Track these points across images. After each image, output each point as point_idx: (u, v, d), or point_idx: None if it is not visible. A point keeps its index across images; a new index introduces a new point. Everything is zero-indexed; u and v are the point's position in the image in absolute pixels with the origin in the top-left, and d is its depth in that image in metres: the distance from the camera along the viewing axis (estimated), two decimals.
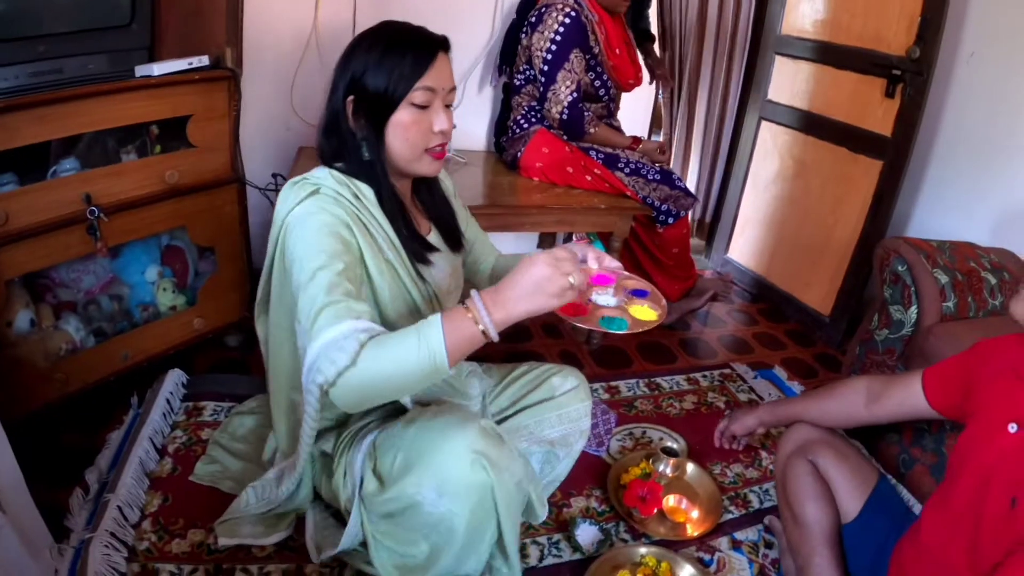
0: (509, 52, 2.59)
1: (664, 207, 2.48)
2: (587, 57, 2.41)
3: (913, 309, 1.92)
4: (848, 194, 2.69)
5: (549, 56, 2.33)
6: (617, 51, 2.48)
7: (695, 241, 3.36)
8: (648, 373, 2.41)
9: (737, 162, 3.33)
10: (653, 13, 3.26)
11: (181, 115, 1.73)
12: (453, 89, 1.30)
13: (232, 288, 2.03)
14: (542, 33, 2.34)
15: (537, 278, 1.03)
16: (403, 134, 1.26)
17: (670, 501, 1.74)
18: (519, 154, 2.49)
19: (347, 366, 1.04)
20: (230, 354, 2.22)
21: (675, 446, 1.91)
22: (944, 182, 2.56)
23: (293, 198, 1.25)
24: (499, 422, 1.59)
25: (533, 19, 2.39)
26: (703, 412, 2.20)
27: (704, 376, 2.42)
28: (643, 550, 1.56)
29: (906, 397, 1.40)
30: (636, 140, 2.56)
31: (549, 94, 2.38)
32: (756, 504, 1.82)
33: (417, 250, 1.36)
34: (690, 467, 1.85)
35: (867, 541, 1.35)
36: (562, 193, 2.41)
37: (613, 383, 2.30)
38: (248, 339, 2.17)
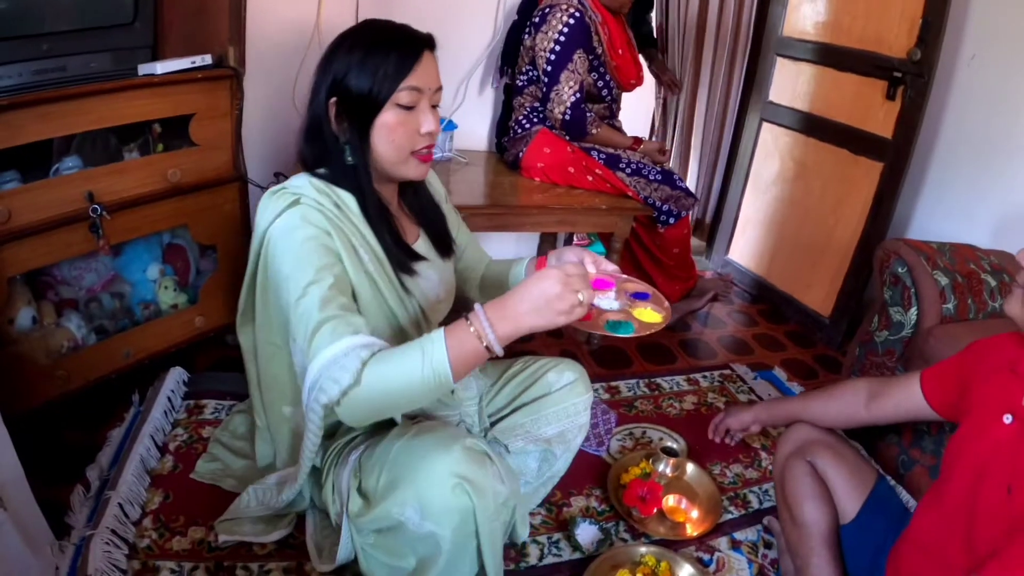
0: (511, 53, 2.59)
1: (665, 207, 2.49)
2: (590, 57, 2.41)
3: (913, 311, 1.92)
4: (849, 196, 2.69)
5: (552, 56, 2.33)
6: (620, 51, 2.48)
7: (695, 242, 3.37)
8: (648, 373, 2.41)
9: (738, 163, 3.33)
10: (653, 15, 3.28)
11: (184, 114, 1.73)
12: (440, 89, 1.27)
13: (233, 287, 2.03)
14: (546, 33, 2.34)
15: (548, 294, 1.00)
16: (388, 136, 1.22)
17: (670, 501, 1.74)
18: (521, 154, 2.49)
19: (351, 385, 1.03)
20: (231, 352, 2.22)
21: (675, 446, 1.92)
22: (945, 184, 2.57)
23: (273, 209, 1.22)
24: (496, 422, 1.58)
25: (536, 19, 2.39)
26: (703, 412, 2.20)
27: (704, 377, 2.43)
28: (643, 549, 1.56)
29: (905, 397, 1.40)
30: (637, 140, 2.57)
31: (552, 94, 2.38)
32: (755, 504, 1.82)
33: (401, 260, 1.32)
34: (690, 467, 1.86)
35: (865, 542, 1.35)
36: (563, 193, 2.41)
37: (613, 383, 2.31)
38: None
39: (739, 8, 3.36)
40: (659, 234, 2.60)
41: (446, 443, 1.15)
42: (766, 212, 3.17)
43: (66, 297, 1.76)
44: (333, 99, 1.21)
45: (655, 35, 3.28)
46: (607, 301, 1.23)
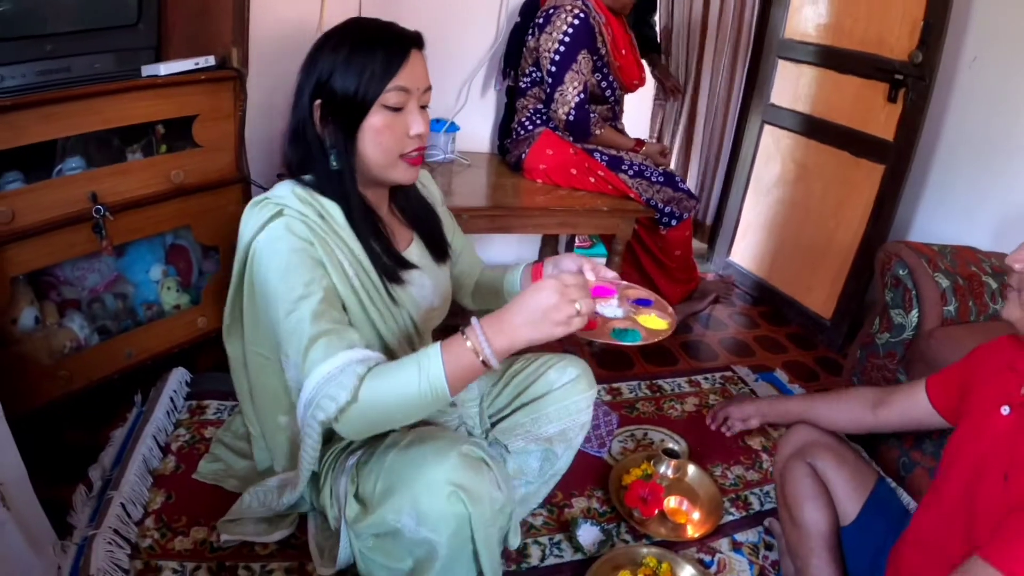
0: (513, 55, 2.59)
1: (667, 209, 2.49)
2: (594, 58, 2.41)
3: (914, 313, 1.92)
4: (850, 198, 2.70)
5: (557, 57, 2.34)
6: (623, 52, 2.49)
7: (697, 244, 3.37)
8: (650, 375, 2.41)
9: (739, 165, 3.33)
10: (657, 18, 3.28)
11: (187, 115, 1.74)
12: (428, 89, 1.22)
13: None
14: (550, 34, 2.34)
15: (544, 305, 0.98)
16: (376, 139, 1.18)
17: (671, 502, 1.74)
18: (523, 156, 2.49)
19: (348, 402, 1.03)
20: None
21: (676, 448, 1.92)
22: (946, 187, 2.57)
23: (256, 220, 1.20)
24: (497, 422, 1.56)
25: (540, 20, 2.39)
26: (704, 414, 2.20)
27: (705, 378, 2.43)
28: (644, 551, 1.56)
29: (912, 404, 1.41)
30: (639, 142, 2.57)
31: (556, 95, 2.38)
32: (756, 506, 1.82)
33: (390, 269, 1.28)
34: (691, 469, 1.86)
35: (865, 543, 1.36)
36: (565, 195, 2.41)
37: (615, 385, 2.31)
38: None
39: (740, 10, 3.37)
40: (661, 236, 2.61)
41: (442, 450, 1.13)
42: (767, 214, 3.18)
43: (69, 297, 1.76)
44: (318, 101, 1.18)
45: (659, 38, 3.29)
46: (610, 309, 1.21)
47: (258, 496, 1.49)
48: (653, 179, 2.46)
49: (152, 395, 1.88)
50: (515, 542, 1.42)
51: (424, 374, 1.01)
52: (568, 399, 1.49)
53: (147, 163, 1.73)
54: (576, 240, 3.30)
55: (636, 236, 2.64)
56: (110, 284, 1.84)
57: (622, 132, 2.66)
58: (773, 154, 3.11)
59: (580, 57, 2.34)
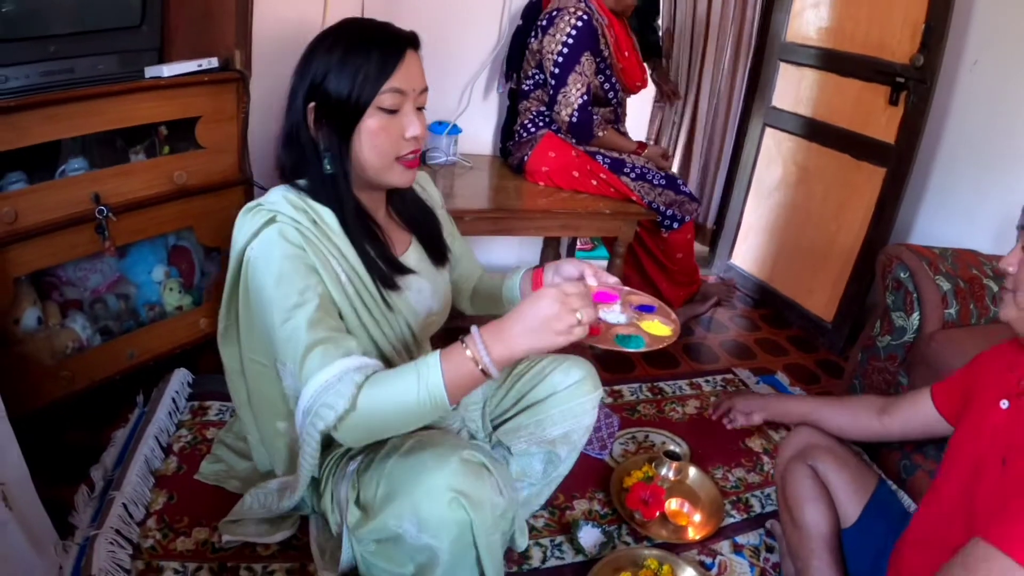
0: (515, 58, 2.60)
1: (669, 212, 2.49)
2: (597, 60, 2.42)
3: (915, 316, 1.92)
4: (851, 201, 2.70)
5: (560, 59, 2.34)
6: (626, 54, 2.50)
7: (698, 247, 3.37)
8: (651, 378, 2.41)
9: (741, 168, 3.34)
10: (660, 22, 3.29)
11: (190, 116, 1.74)
12: (425, 90, 1.20)
13: None
14: (553, 36, 2.34)
15: (544, 314, 0.97)
16: (371, 142, 1.16)
17: (672, 504, 1.74)
18: (526, 158, 2.50)
19: (347, 410, 1.02)
20: None
21: (677, 450, 1.92)
22: (947, 189, 2.57)
23: (249, 227, 1.18)
24: (501, 423, 1.55)
25: (544, 23, 2.40)
26: (705, 417, 2.20)
27: (707, 381, 2.43)
28: (645, 552, 1.56)
29: (918, 411, 1.41)
30: (641, 145, 2.58)
31: (559, 96, 2.38)
32: (758, 508, 1.82)
33: (386, 274, 1.25)
34: (692, 471, 1.86)
35: (866, 545, 1.36)
36: (567, 198, 2.42)
37: (616, 387, 2.31)
38: None
39: (741, 13, 3.37)
40: (663, 239, 2.61)
41: (443, 456, 1.12)
42: (769, 217, 3.18)
43: (71, 298, 1.77)
44: (311, 104, 1.16)
45: (661, 42, 3.30)
46: (614, 315, 1.19)
47: (259, 498, 1.49)
48: (655, 182, 2.46)
49: (154, 396, 1.88)
50: (522, 543, 1.40)
51: (423, 383, 1.00)
52: (573, 401, 1.47)
53: (150, 164, 1.73)
54: (578, 243, 3.30)
55: (638, 239, 2.64)
56: (112, 285, 1.85)
57: (624, 135, 2.67)
58: (774, 157, 3.12)
59: (583, 59, 2.35)
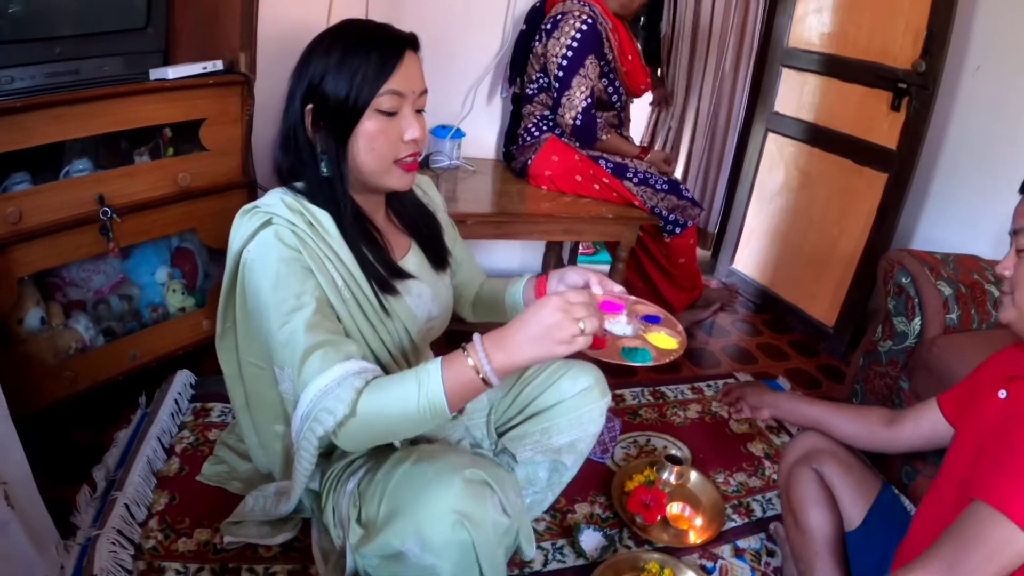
0: (519, 62, 2.60)
1: (671, 217, 2.50)
2: (601, 63, 2.42)
3: (916, 321, 1.92)
4: (853, 206, 2.70)
5: (565, 62, 2.35)
6: (630, 57, 2.50)
7: (701, 252, 3.37)
8: (653, 382, 2.41)
9: (743, 173, 3.34)
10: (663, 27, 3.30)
11: (194, 118, 1.75)
12: (424, 92, 1.18)
13: None
14: (558, 39, 2.35)
15: (546, 323, 0.95)
16: (369, 145, 1.14)
17: (673, 508, 1.74)
18: (529, 162, 2.50)
19: (346, 416, 1.01)
20: None
21: (679, 454, 1.92)
22: (948, 195, 2.57)
23: (246, 229, 1.17)
24: (506, 430, 1.54)
25: (548, 26, 2.41)
26: (707, 421, 2.20)
27: (708, 385, 2.43)
28: (646, 556, 1.56)
29: (926, 420, 1.40)
30: (644, 150, 2.58)
31: (563, 99, 2.39)
32: (759, 513, 1.82)
33: (383, 279, 1.23)
34: (693, 475, 1.86)
35: (870, 549, 1.36)
36: (570, 202, 2.42)
37: (618, 391, 2.31)
38: None
39: (743, 19, 3.38)
40: (665, 244, 2.61)
41: (446, 475, 1.09)
42: (771, 222, 3.18)
43: (74, 298, 1.77)
44: (309, 106, 1.15)
45: (662, 49, 3.31)
46: (619, 326, 1.16)
47: (258, 502, 1.49)
48: (657, 187, 2.46)
49: (157, 397, 1.89)
50: (530, 552, 1.36)
51: (423, 390, 0.99)
52: (580, 409, 1.45)
53: (154, 166, 1.74)
54: (580, 247, 3.30)
55: (641, 243, 2.65)
56: (116, 286, 1.85)
57: (628, 139, 2.67)
58: (777, 162, 3.12)
59: (588, 62, 2.35)
